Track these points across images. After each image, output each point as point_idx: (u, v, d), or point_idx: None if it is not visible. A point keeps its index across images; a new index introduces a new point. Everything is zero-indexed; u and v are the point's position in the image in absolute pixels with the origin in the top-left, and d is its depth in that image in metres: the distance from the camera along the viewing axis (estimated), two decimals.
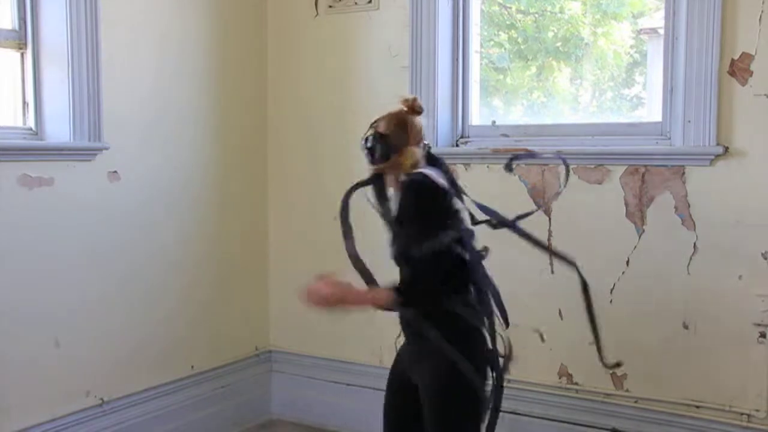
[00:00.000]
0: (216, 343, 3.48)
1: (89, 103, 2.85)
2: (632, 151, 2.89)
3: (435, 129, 3.21)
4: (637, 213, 2.89)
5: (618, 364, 2.31)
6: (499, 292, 2.11)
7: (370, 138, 2.16)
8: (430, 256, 1.99)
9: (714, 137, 2.72)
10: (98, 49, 2.87)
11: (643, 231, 2.88)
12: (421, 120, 2.19)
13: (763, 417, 2.72)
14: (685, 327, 2.83)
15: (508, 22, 3.46)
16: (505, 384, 2.12)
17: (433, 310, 2.04)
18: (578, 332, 3.00)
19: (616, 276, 2.93)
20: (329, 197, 3.55)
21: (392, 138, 2.13)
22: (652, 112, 3.03)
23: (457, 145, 3.28)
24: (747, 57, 2.66)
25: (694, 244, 2.79)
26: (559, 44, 3.33)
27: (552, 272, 3.04)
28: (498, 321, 2.11)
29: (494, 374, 2.10)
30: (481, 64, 3.39)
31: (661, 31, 2.93)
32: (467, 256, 2.06)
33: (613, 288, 2.94)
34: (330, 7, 3.51)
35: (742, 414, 2.75)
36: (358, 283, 2.20)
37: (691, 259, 2.80)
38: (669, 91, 2.86)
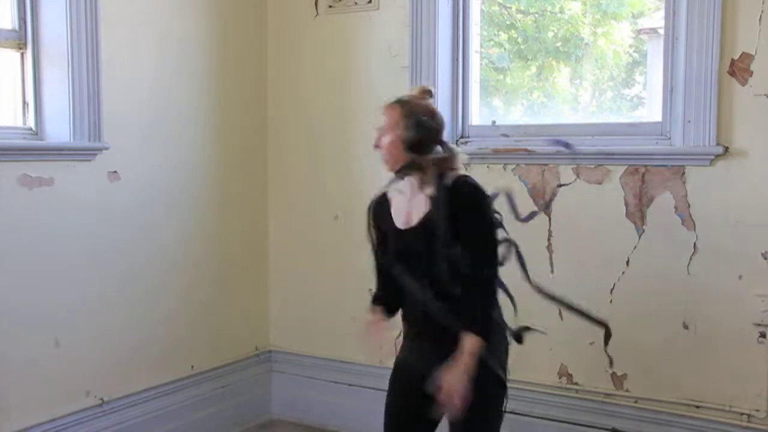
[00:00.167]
0: (216, 343, 3.49)
1: (89, 103, 2.85)
2: (632, 151, 2.89)
3: None
4: (637, 213, 2.89)
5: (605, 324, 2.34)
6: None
7: (416, 122, 2.08)
8: (495, 262, 2.06)
9: (714, 137, 2.72)
10: (98, 49, 2.87)
11: (643, 231, 2.89)
12: None
13: (763, 417, 2.73)
14: (685, 327, 2.83)
15: (508, 22, 3.46)
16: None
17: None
18: (578, 332, 3.02)
19: (616, 276, 2.93)
20: (329, 197, 3.57)
21: (438, 132, 2.13)
22: (652, 112, 3.03)
23: (457, 145, 3.27)
24: (747, 57, 2.67)
25: (694, 244, 2.79)
26: (559, 44, 3.33)
27: (552, 272, 3.04)
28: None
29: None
30: (481, 64, 3.39)
31: (661, 31, 2.93)
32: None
33: (613, 288, 2.94)
34: (330, 7, 3.51)
35: (742, 414, 2.75)
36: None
37: (691, 259, 2.80)
38: (669, 91, 2.86)
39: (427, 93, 2.17)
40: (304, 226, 3.66)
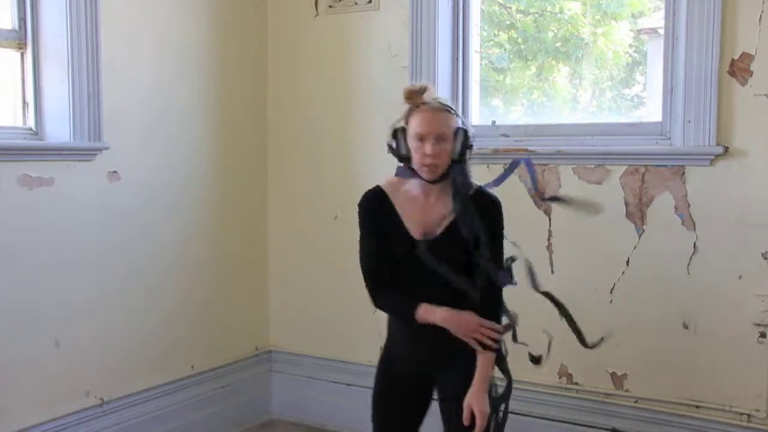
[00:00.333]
0: (216, 343, 3.48)
1: (89, 103, 2.85)
2: (632, 151, 2.89)
3: None
4: (637, 213, 2.89)
5: (602, 339, 2.35)
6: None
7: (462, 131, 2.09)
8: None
9: (714, 137, 2.72)
10: (98, 49, 2.87)
11: (643, 231, 2.89)
12: None
13: (763, 417, 2.73)
14: (685, 327, 2.83)
15: (508, 22, 3.46)
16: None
17: None
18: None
19: (616, 276, 2.93)
20: (329, 197, 3.57)
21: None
22: (652, 112, 3.03)
23: None
24: (747, 57, 2.67)
25: (694, 244, 2.80)
26: (559, 44, 3.33)
27: (552, 272, 3.04)
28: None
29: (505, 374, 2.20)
30: (481, 64, 3.39)
31: (661, 31, 2.93)
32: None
33: (613, 288, 2.94)
34: (330, 7, 3.51)
35: (742, 414, 2.75)
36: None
37: (691, 259, 2.80)
38: (669, 91, 2.86)
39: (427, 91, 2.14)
40: (304, 226, 3.66)
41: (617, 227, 2.92)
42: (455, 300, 2.07)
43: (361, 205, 2.19)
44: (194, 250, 3.36)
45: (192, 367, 3.37)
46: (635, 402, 2.94)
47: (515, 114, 3.41)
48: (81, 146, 2.84)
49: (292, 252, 3.70)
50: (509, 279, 2.12)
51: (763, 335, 2.70)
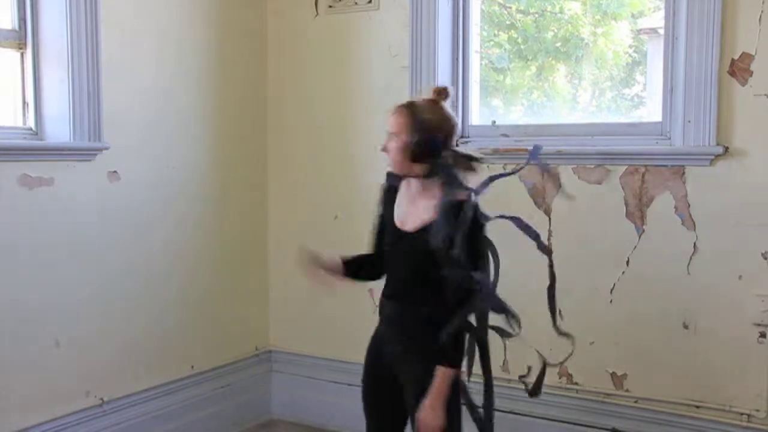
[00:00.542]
0: (216, 343, 3.48)
1: (89, 103, 2.85)
2: (632, 151, 2.89)
3: None
4: (637, 213, 2.89)
5: (573, 338, 2.29)
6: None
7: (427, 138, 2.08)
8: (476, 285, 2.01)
9: (714, 137, 2.72)
10: (98, 49, 2.87)
11: (643, 231, 2.89)
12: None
13: (763, 417, 2.73)
14: (685, 327, 2.83)
15: (508, 22, 3.46)
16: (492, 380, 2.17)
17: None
18: (578, 332, 3.00)
19: (616, 276, 2.93)
20: (329, 197, 3.57)
21: (441, 139, 2.11)
22: (652, 112, 3.03)
23: (457, 145, 3.26)
24: (747, 57, 2.67)
25: (694, 244, 2.80)
26: (559, 44, 3.33)
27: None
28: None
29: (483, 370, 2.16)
30: (481, 64, 3.39)
31: (661, 31, 2.93)
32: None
33: (613, 288, 2.94)
34: (330, 7, 3.51)
35: (742, 414, 2.75)
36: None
37: (691, 259, 2.80)
38: (669, 91, 2.87)
39: (442, 93, 2.12)
40: (304, 226, 3.66)
41: (617, 227, 2.92)
42: (422, 299, 2.09)
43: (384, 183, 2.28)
44: (194, 250, 3.36)
45: (192, 367, 3.37)
46: (635, 402, 2.94)
47: (515, 114, 3.41)
48: (81, 146, 2.84)
49: (292, 252, 3.69)
50: (492, 301, 2.05)
51: (763, 335, 2.70)
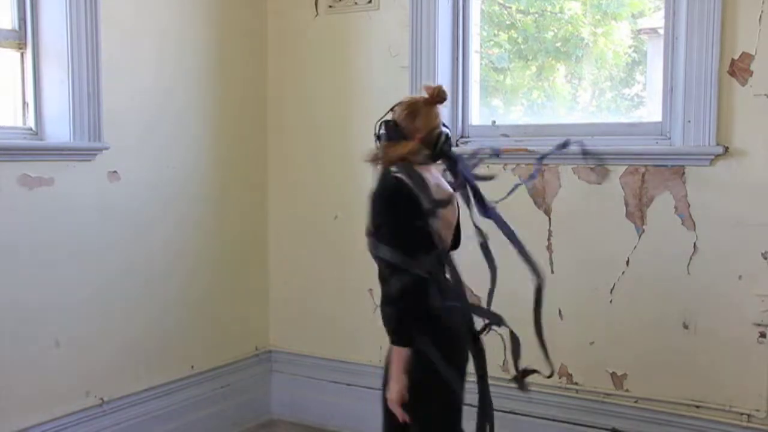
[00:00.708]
0: (216, 343, 3.48)
1: (89, 103, 2.85)
2: (632, 151, 2.89)
3: None
4: (637, 213, 2.89)
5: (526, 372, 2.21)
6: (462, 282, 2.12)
7: (379, 124, 2.13)
8: (393, 264, 1.98)
9: (714, 137, 2.72)
10: (98, 49, 2.87)
11: (643, 231, 2.89)
12: (438, 110, 2.15)
13: (763, 417, 2.73)
14: (685, 327, 2.83)
15: (508, 22, 3.46)
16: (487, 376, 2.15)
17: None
18: (578, 332, 3.02)
19: (616, 276, 2.93)
20: (329, 197, 3.57)
21: (403, 126, 2.10)
22: (652, 112, 3.03)
23: (457, 145, 3.27)
24: (747, 57, 2.67)
25: (694, 244, 2.80)
26: (559, 44, 3.33)
27: (552, 272, 3.04)
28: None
29: (476, 366, 2.12)
30: (481, 64, 3.39)
31: (661, 31, 2.93)
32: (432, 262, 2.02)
33: (613, 288, 2.94)
34: (330, 7, 3.51)
35: (742, 414, 2.75)
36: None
37: (691, 259, 2.80)
38: (669, 91, 2.87)
39: (427, 89, 2.15)
40: (304, 226, 3.66)
41: (617, 227, 2.92)
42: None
43: None
44: (194, 249, 3.36)
45: (192, 367, 3.37)
46: (635, 402, 2.94)
47: (515, 114, 3.41)
48: (81, 146, 2.84)
49: (292, 252, 3.71)
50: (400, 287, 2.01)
51: (763, 335, 2.70)
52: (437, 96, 2.14)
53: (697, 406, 2.83)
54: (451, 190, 2.17)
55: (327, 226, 3.58)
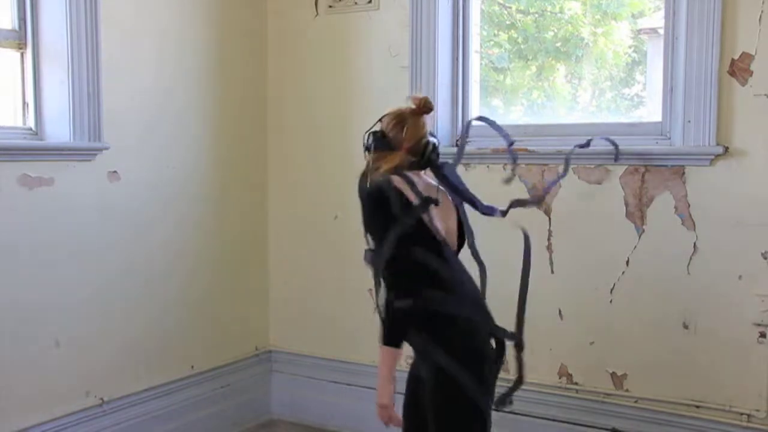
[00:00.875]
0: (216, 343, 3.49)
1: (89, 103, 2.85)
2: (632, 151, 2.89)
3: (435, 129, 3.21)
4: (637, 213, 2.89)
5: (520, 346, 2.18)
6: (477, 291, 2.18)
7: (367, 135, 2.17)
8: (391, 268, 2.01)
9: (714, 137, 2.72)
10: (98, 49, 2.87)
11: (643, 231, 2.88)
12: (425, 120, 2.17)
13: (763, 417, 2.73)
14: (685, 327, 2.83)
15: (508, 22, 3.46)
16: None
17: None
18: (578, 332, 3.02)
19: (616, 276, 2.93)
20: (329, 197, 3.57)
21: (391, 137, 2.14)
22: (651, 111, 3.03)
23: (457, 145, 3.27)
24: (747, 57, 2.67)
25: (694, 244, 2.79)
26: (559, 44, 3.33)
27: (552, 272, 3.04)
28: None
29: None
30: (481, 64, 3.39)
31: (661, 31, 2.93)
32: (433, 263, 2.04)
33: (613, 288, 2.94)
34: (330, 7, 3.51)
35: (742, 414, 2.75)
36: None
37: (691, 259, 2.80)
38: (669, 90, 2.86)
39: (414, 100, 2.18)
40: (304, 226, 3.66)
41: (617, 227, 2.92)
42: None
43: None
44: (194, 249, 3.36)
45: (192, 367, 3.37)
46: (635, 402, 2.94)
47: (515, 114, 3.41)
48: (81, 146, 2.84)
49: (292, 252, 3.71)
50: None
51: (763, 335, 2.70)
52: (424, 106, 2.17)
53: (697, 406, 2.83)
54: (442, 189, 2.19)
55: (327, 226, 3.58)
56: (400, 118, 2.16)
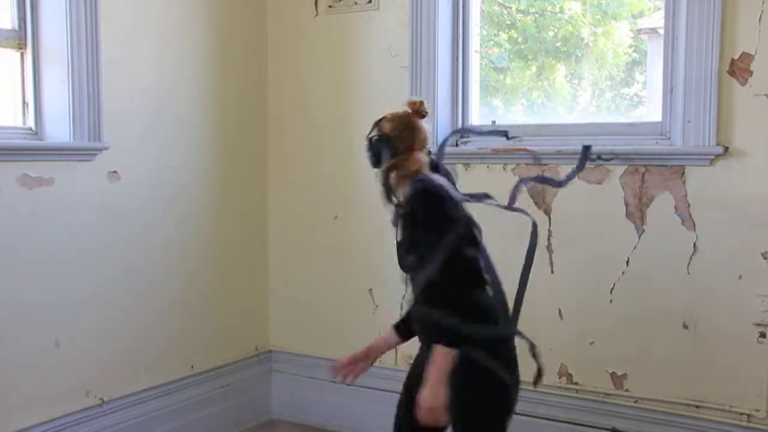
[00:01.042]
0: (216, 343, 3.48)
1: (89, 103, 2.85)
2: (632, 151, 2.89)
3: (435, 129, 3.21)
4: (637, 213, 2.89)
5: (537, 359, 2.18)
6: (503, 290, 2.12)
7: (375, 139, 2.15)
8: (445, 264, 1.96)
9: (714, 137, 2.72)
10: (98, 49, 2.87)
11: (643, 231, 2.89)
12: (425, 125, 2.19)
13: (763, 417, 2.73)
14: (685, 327, 2.83)
15: (508, 22, 3.46)
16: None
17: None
18: (578, 332, 3.02)
19: (616, 276, 2.93)
20: (329, 197, 3.57)
21: (399, 140, 2.12)
22: (651, 111, 3.03)
23: (457, 145, 3.28)
24: (747, 57, 2.67)
25: (694, 244, 2.79)
26: (559, 44, 3.33)
27: (552, 272, 3.04)
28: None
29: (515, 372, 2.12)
30: (481, 64, 3.39)
31: (661, 31, 2.93)
32: (479, 257, 2.04)
33: (613, 288, 2.94)
34: (330, 7, 3.51)
35: (742, 414, 2.75)
36: None
37: (691, 259, 2.80)
38: (669, 90, 2.86)
39: (411, 104, 2.17)
40: (304, 226, 3.66)
41: (617, 227, 2.92)
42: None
43: None
44: (194, 249, 3.36)
45: (192, 367, 3.37)
46: (635, 402, 2.94)
47: (515, 114, 3.42)
48: (81, 146, 2.84)
49: (292, 252, 3.71)
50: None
51: (763, 335, 2.70)
52: (422, 110, 2.18)
53: (697, 406, 2.83)
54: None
55: (327, 226, 3.58)
56: (407, 121, 2.15)
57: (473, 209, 2.14)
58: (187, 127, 3.30)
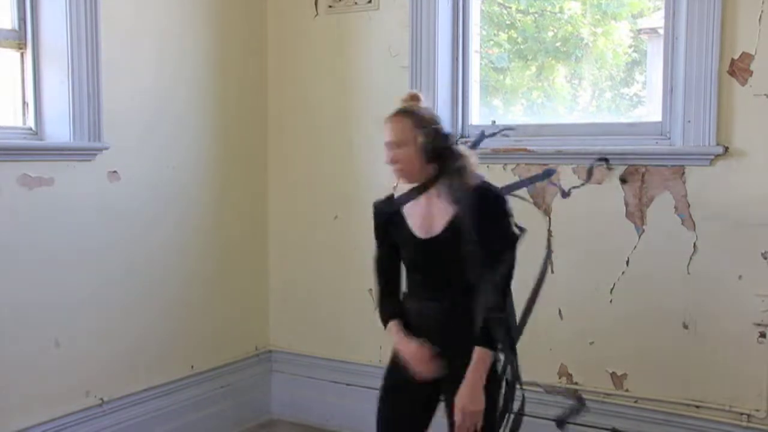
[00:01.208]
0: (216, 343, 3.49)
1: (89, 103, 2.85)
2: (632, 151, 2.89)
3: None
4: (637, 213, 2.89)
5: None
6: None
7: (451, 134, 2.16)
8: (509, 272, 2.05)
9: (714, 137, 2.72)
10: (98, 49, 2.87)
11: (643, 231, 2.89)
12: None
13: (763, 417, 2.73)
14: (685, 327, 2.83)
15: (508, 22, 3.46)
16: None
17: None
18: (578, 332, 3.02)
19: (616, 276, 2.93)
20: (329, 197, 3.57)
21: (449, 136, 2.15)
22: (651, 111, 3.03)
23: (457, 145, 3.27)
24: (747, 57, 2.67)
25: (694, 244, 2.79)
26: (559, 44, 3.33)
27: (552, 272, 3.03)
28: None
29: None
30: (481, 64, 3.39)
31: (661, 31, 2.93)
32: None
33: (613, 288, 2.94)
34: (330, 7, 3.51)
35: (742, 414, 2.75)
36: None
37: (691, 259, 2.80)
38: (669, 91, 2.86)
39: (416, 98, 2.17)
40: (304, 226, 3.66)
41: (617, 227, 2.92)
42: (462, 298, 2.07)
43: (373, 213, 2.26)
44: (194, 249, 3.36)
45: (192, 367, 3.37)
46: (635, 402, 2.94)
47: (515, 114, 3.42)
48: (81, 146, 2.84)
49: (292, 252, 3.71)
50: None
51: (763, 335, 2.70)
52: (418, 98, 2.21)
53: (697, 406, 2.83)
54: None
55: (327, 226, 3.58)
56: (436, 114, 2.18)
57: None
58: (187, 127, 3.30)
